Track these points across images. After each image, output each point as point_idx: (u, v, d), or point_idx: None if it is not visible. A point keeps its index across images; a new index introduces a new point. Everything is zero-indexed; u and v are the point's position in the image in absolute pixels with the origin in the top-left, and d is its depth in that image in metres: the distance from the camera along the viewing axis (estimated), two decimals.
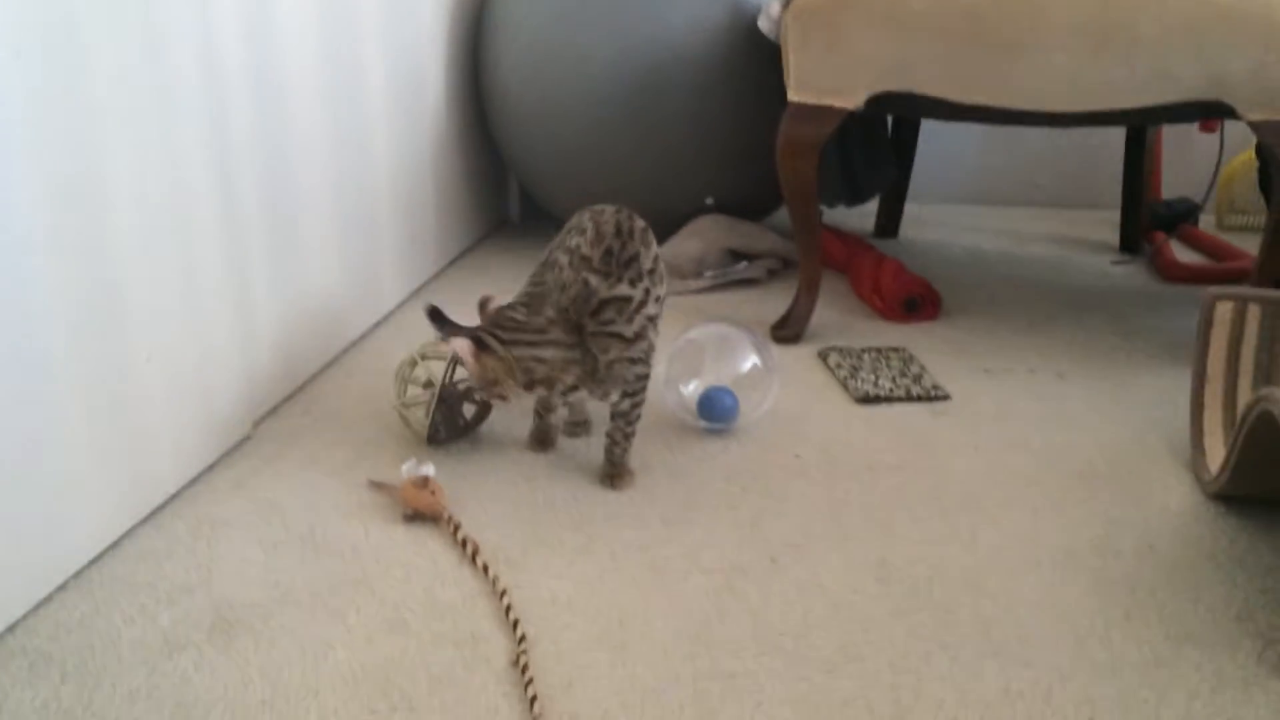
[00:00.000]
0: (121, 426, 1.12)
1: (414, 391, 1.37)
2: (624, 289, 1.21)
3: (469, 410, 1.40)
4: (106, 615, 1.01)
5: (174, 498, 1.23)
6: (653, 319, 1.25)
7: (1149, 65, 1.51)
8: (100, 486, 1.09)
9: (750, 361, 1.45)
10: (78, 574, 1.07)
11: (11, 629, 0.99)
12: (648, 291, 1.23)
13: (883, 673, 0.95)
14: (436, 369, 1.37)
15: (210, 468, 1.30)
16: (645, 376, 1.26)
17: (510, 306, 1.25)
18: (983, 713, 0.90)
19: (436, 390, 1.34)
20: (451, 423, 1.38)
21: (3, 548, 0.97)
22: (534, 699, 0.90)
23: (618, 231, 1.23)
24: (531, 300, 1.25)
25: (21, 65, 0.95)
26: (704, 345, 1.48)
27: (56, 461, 1.03)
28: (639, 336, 1.23)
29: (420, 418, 1.35)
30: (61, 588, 1.05)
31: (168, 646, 0.97)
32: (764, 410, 1.44)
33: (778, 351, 1.64)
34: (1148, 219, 2.44)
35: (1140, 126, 2.31)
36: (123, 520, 1.14)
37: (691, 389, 1.44)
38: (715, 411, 1.41)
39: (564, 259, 1.25)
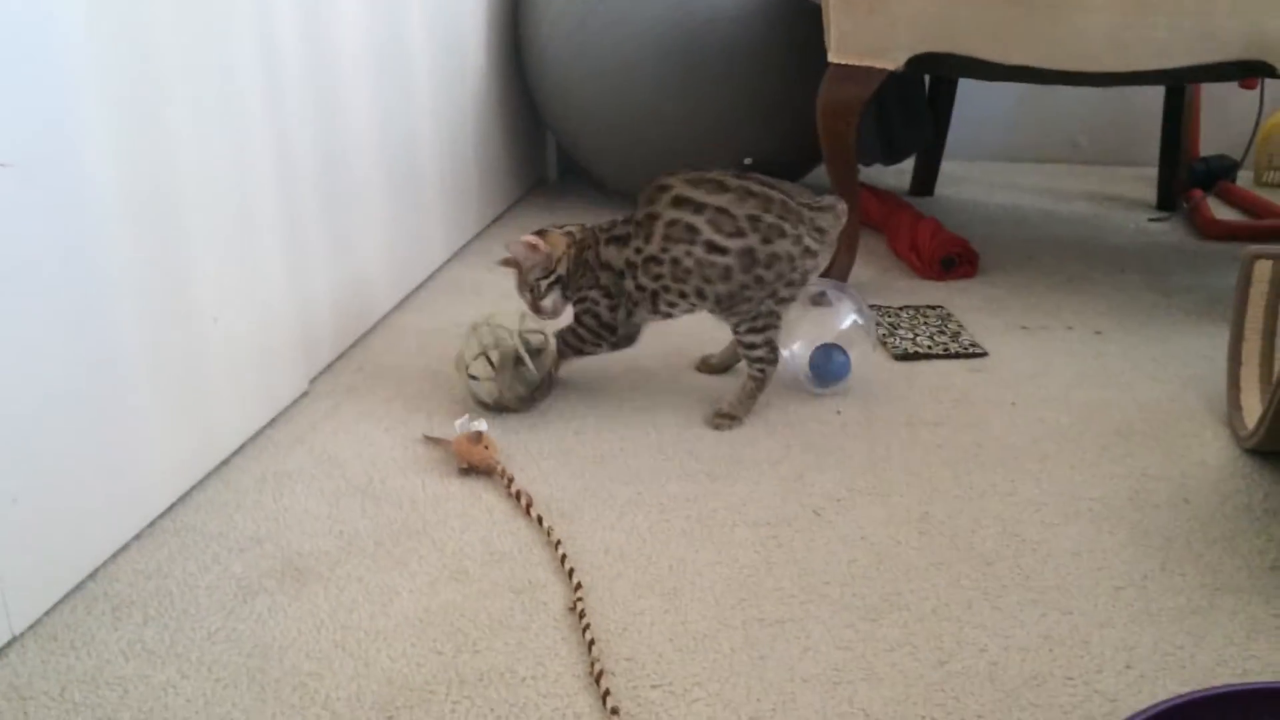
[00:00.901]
0: (190, 384, 1.17)
1: (479, 366, 1.38)
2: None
3: (534, 373, 1.40)
4: (182, 562, 1.07)
5: (238, 452, 1.28)
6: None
7: (1191, 25, 1.52)
8: (171, 441, 1.14)
9: (850, 319, 1.46)
10: (152, 524, 1.12)
11: (93, 575, 1.04)
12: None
13: (926, 619, 0.98)
14: (498, 336, 1.40)
15: (271, 423, 1.35)
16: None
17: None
18: (1023, 658, 0.93)
19: (500, 356, 1.37)
20: (522, 385, 1.39)
21: (83, 498, 1.02)
22: (591, 642, 0.94)
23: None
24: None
25: (94, 41, 0.98)
26: (802, 303, 1.45)
27: (130, 418, 1.08)
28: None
29: (489, 389, 1.38)
30: (137, 536, 1.10)
31: (242, 592, 1.02)
32: (866, 367, 1.46)
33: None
34: (1186, 176, 2.44)
35: (1180, 85, 2.30)
36: (193, 473, 1.19)
37: (797, 349, 1.45)
38: (829, 370, 1.42)
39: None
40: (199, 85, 1.15)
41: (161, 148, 1.09)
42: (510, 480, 1.20)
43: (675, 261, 1.31)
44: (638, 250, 1.33)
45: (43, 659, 0.92)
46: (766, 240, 1.29)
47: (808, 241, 1.31)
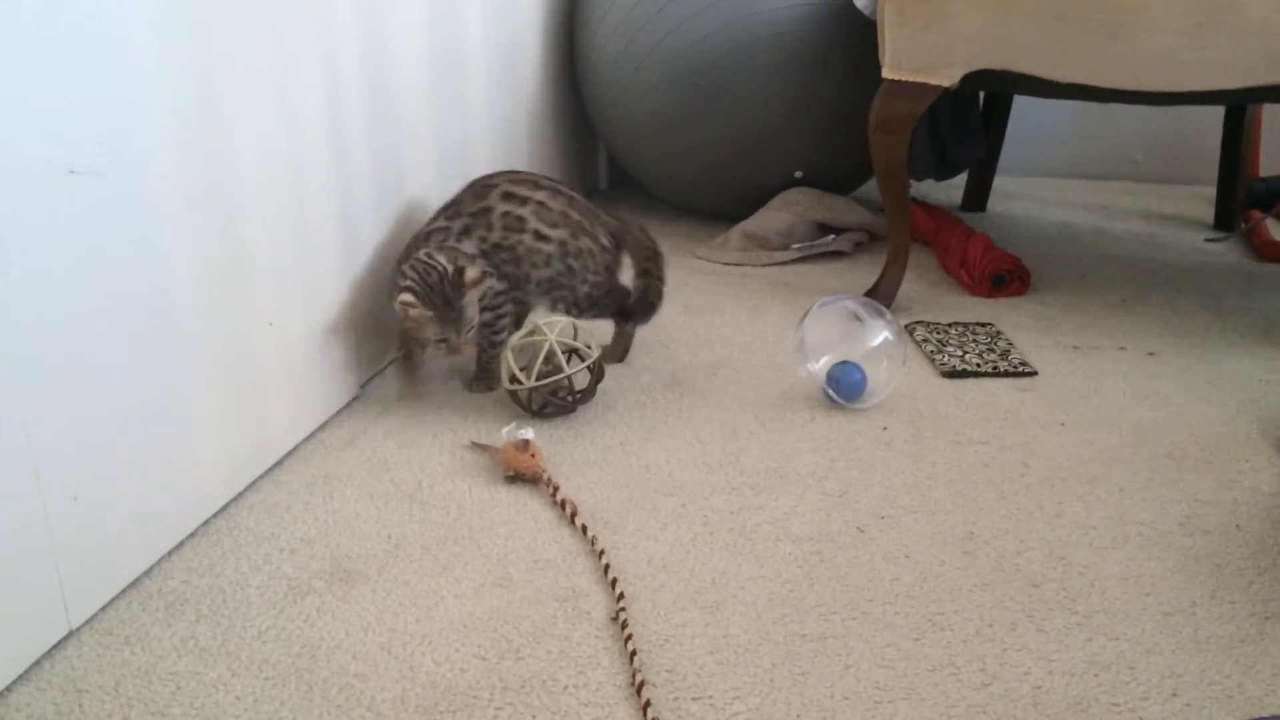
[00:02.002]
0: (245, 387, 1.19)
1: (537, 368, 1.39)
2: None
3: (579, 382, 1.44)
4: (234, 562, 1.09)
5: (291, 454, 1.30)
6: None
7: (1254, 46, 1.50)
8: (225, 443, 1.17)
9: (882, 336, 1.48)
10: (206, 523, 1.15)
11: (148, 573, 1.06)
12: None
13: (970, 641, 0.98)
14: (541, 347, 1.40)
15: (323, 426, 1.37)
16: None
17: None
18: (1067, 682, 0.93)
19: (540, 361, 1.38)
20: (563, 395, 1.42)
21: (140, 497, 1.04)
22: (634, 653, 0.95)
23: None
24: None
25: (161, 51, 1.01)
26: (833, 319, 1.50)
27: (187, 419, 1.10)
28: None
29: (524, 394, 1.40)
30: (192, 535, 1.13)
31: (292, 592, 1.04)
32: (895, 385, 1.47)
33: None
34: (1244, 196, 2.40)
35: (1241, 105, 2.27)
36: (246, 474, 1.21)
37: (822, 364, 1.47)
38: (844, 387, 1.44)
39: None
40: (260, 97, 1.18)
41: (223, 157, 1.12)
42: (555, 489, 1.21)
43: (512, 248, 1.46)
44: (482, 239, 1.46)
45: (98, 653, 0.95)
46: (574, 235, 1.48)
47: (604, 241, 1.51)
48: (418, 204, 1.61)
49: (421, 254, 1.38)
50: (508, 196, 1.47)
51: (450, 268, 1.36)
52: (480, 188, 1.49)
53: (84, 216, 0.93)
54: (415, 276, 1.35)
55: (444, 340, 1.37)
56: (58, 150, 0.90)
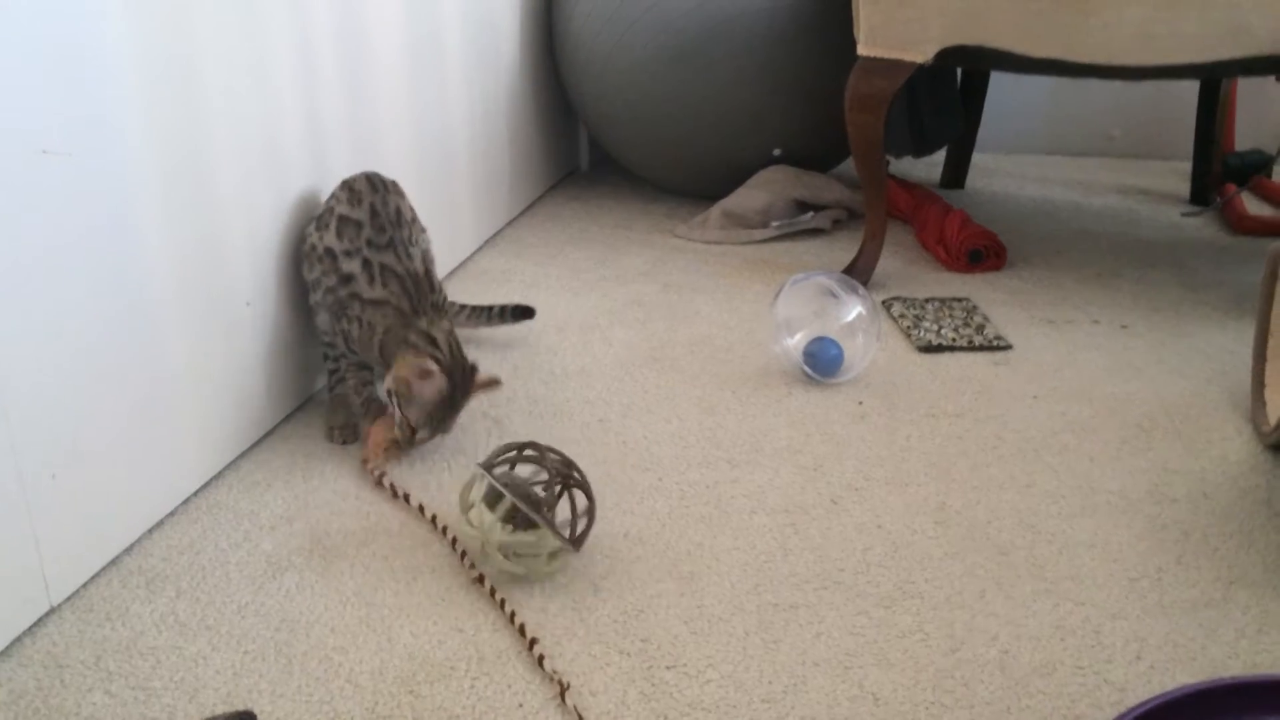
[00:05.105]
0: (224, 367, 1.20)
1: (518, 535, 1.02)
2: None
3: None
4: (214, 539, 1.10)
5: (271, 433, 1.31)
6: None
7: (1223, 19, 1.51)
8: (204, 421, 1.18)
9: (856, 310, 1.49)
10: (185, 502, 1.16)
11: (128, 550, 1.07)
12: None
13: (939, 608, 1.00)
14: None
15: (302, 406, 1.38)
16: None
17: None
18: (1034, 646, 0.94)
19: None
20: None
21: (119, 475, 1.05)
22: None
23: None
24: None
25: (133, 30, 1.01)
26: (807, 295, 1.51)
27: (166, 398, 1.11)
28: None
29: (547, 553, 1.03)
30: (171, 514, 1.14)
31: (271, 569, 1.05)
32: (870, 359, 1.49)
33: None
34: (1220, 170, 2.42)
35: (1215, 79, 2.28)
36: (225, 453, 1.22)
37: (797, 340, 1.49)
38: (821, 363, 1.45)
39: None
40: (234, 77, 1.18)
41: (199, 139, 1.12)
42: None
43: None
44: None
45: (79, 629, 0.96)
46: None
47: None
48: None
49: (450, 329, 1.25)
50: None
51: (469, 363, 1.24)
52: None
53: (57, 197, 0.94)
54: (445, 357, 1.21)
55: (414, 431, 1.20)
56: (30, 130, 0.90)
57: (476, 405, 1.34)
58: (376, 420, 1.26)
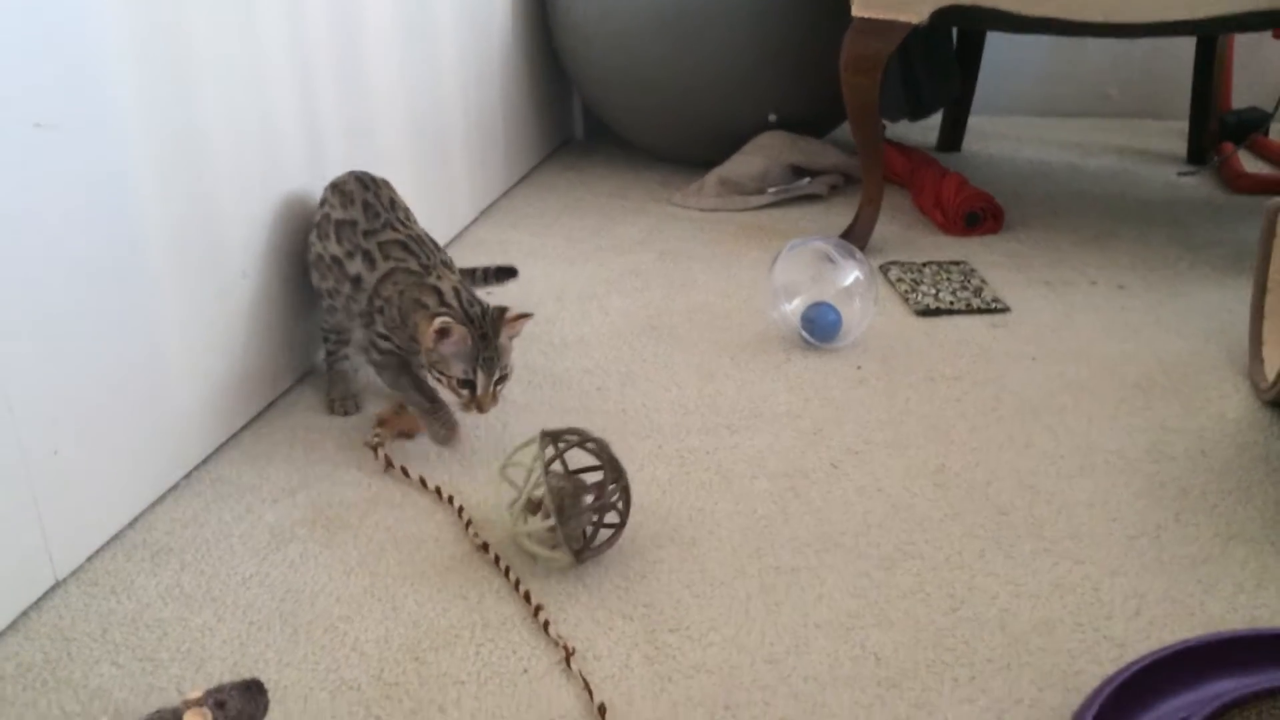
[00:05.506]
0: (222, 340, 1.20)
1: (532, 523, 1.02)
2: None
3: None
4: (217, 512, 1.10)
5: (271, 406, 1.31)
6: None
7: None
8: (204, 396, 1.18)
9: (853, 275, 1.49)
10: (187, 476, 1.16)
11: (132, 524, 1.08)
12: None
13: (939, 568, 1.00)
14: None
15: (302, 379, 1.38)
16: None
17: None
18: (1033, 605, 0.95)
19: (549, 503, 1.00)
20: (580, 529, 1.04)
21: (120, 451, 1.05)
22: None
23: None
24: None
25: (122, 4, 1.01)
26: (804, 261, 1.51)
27: (166, 372, 1.11)
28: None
29: (552, 551, 1.01)
30: (174, 488, 1.14)
31: (275, 540, 1.06)
32: (868, 323, 1.48)
33: None
34: (1217, 129, 2.41)
35: (1211, 35, 2.27)
36: (227, 427, 1.23)
37: (794, 306, 1.49)
38: (819, 328, 1.45)
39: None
40: (225, 46, 1.17)
41: (192, 112, 1.12)
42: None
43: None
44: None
45: (85, 603, 0.96)
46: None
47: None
48: (387, 153, 1.61)
49: (451, 284, 1.20)
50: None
51: (489, 305, 1.20)
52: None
53: (52, 170, 0.94)
54: (457, 305, 1.17)
55: (468, 384, 1.15)
56: (23, 103, 0.90)
57: None
58: (390, 410, 1.26)
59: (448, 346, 1.14)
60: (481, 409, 1.17)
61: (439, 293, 1.18)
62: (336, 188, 1.29)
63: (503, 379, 1.18)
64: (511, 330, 1.18)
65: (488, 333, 1.16)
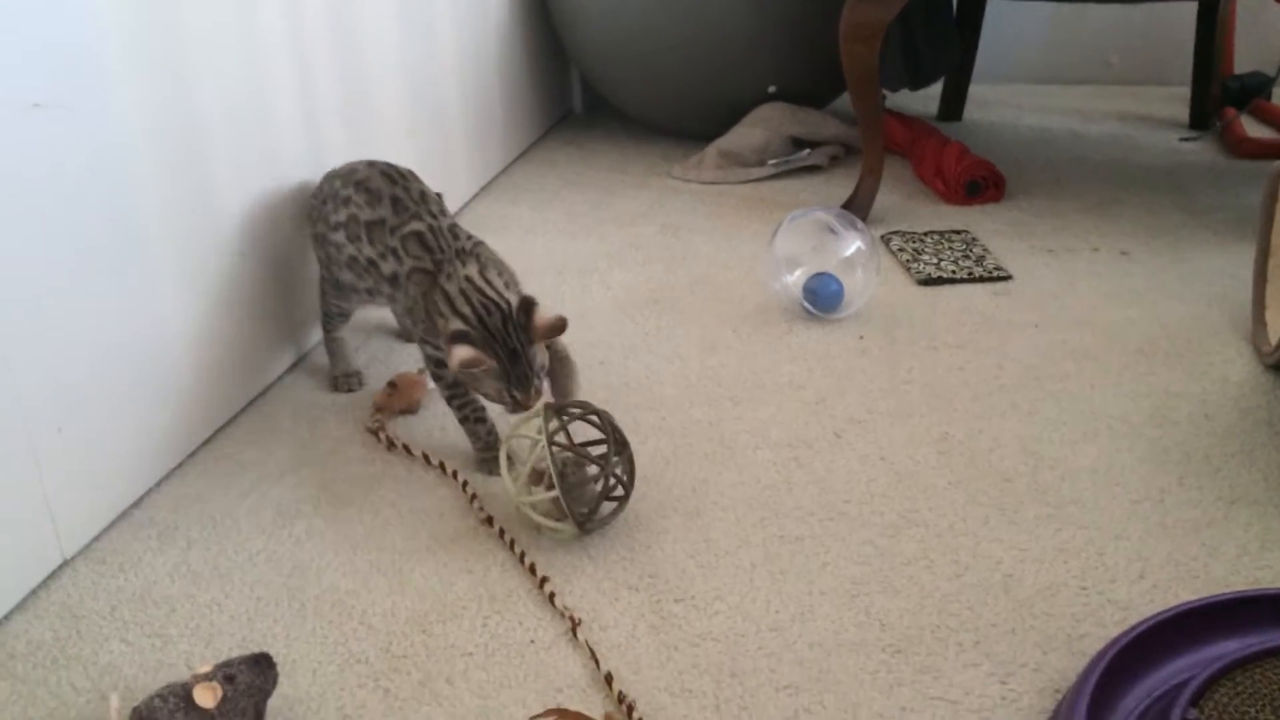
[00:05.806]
0: (223, 319, 1.20)
1: (536, 493, 1.02)
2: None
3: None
4: (223, 490, 1.11)
5: (275, 384, 1.31)
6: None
7: None
8: (207, 375, 1.18)
9: (855, 245, 1.48)
10: (192, 455, 1.16)
11: (138, 503, 1.08)
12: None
13: (943, 535, 1.01)
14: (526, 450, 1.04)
15: (305, 355, 1.38)
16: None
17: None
18: (1038, 569, 0.95)
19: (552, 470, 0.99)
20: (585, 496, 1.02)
21: (125, 430, 1.06)
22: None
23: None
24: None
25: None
26: (806, 232, 1.50)
27: (168, 351, 1.11)
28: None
29: (557, 523, 1.01)
30: (179, 466, 1.14)
31: (281, 517, 1.06)
32: (870, 293, 1.48)
33: None
34: (1219, 94, 2.40)
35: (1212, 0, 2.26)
36: (230, 406, 1.23)
37: (796, 277, 1.49)
38: (821, 299, 1.45)
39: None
40: (219, 23, 1.17)
41: (189, 90, 1.11)
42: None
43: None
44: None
45: (93, 580, 0.97)
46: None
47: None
48: (385, 129, 1.60)
49: (468, 275, 1.09)
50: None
51: (512, 301, 1.08)
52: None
53: (52, 149, 0.93)
54: (469, 313, 1.06)
55: (513, 397, 1.06)
56: (20, 83, 0.90)
57: None
58: (385, 392, 1.25)
59: (477, 371, 1.05)
60: (526, 409, 1.08)
61: (448, 298, 1.08)
62: (362, 186, 1.19)
63: (539, 374, 1.08)
64: (542, 337, 1.07)
65: (516, 347, 1.05)
